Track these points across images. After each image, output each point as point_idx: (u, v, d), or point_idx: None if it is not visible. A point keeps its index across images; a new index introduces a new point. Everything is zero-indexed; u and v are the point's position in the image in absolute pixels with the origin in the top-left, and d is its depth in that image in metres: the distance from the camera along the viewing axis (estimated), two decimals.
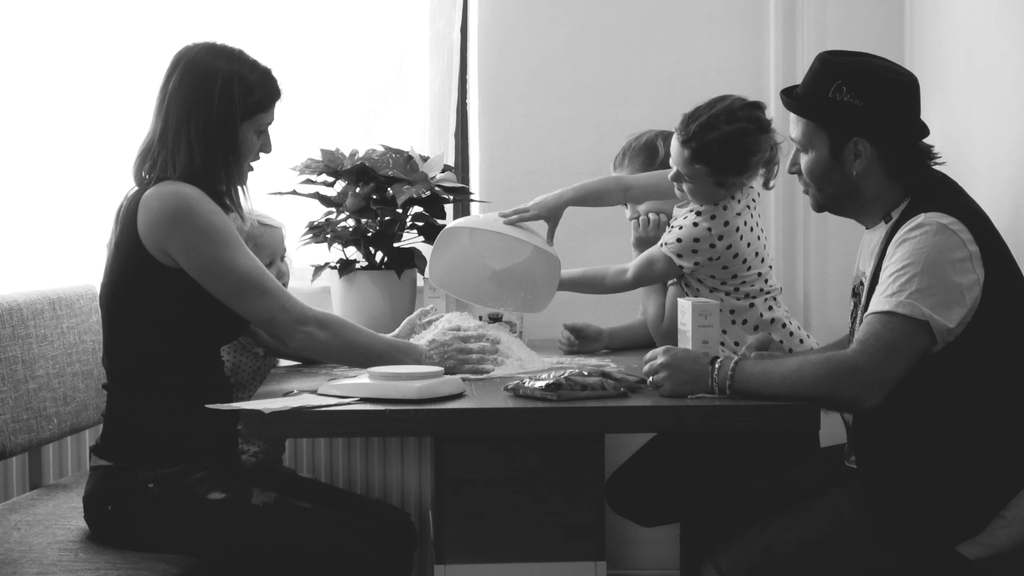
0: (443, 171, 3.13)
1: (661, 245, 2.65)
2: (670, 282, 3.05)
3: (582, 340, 2.89)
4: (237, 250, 2.31)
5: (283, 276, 2.83)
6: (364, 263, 3.11)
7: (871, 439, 2.22)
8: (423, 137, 3.47)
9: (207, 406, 2.14)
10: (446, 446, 2.20)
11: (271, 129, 2.46)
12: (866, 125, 2.22)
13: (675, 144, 2.58)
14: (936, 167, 2.29)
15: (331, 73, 3.45)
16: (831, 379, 2.08)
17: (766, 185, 2.67)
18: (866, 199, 2.28)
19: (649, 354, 2.23)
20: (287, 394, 2.24)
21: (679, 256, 2.61)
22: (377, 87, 3.48)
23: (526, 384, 2.15)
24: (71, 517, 2.48)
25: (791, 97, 2.31)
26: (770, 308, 2.66)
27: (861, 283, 2.35)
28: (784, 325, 2.66)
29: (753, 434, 2.54)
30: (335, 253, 3.12)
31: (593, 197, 2.76)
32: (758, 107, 2.57)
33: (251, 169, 2.47)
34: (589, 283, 2.78)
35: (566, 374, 2.15)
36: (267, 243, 2.77)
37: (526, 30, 3.38)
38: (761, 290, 2.66)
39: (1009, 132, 2.68)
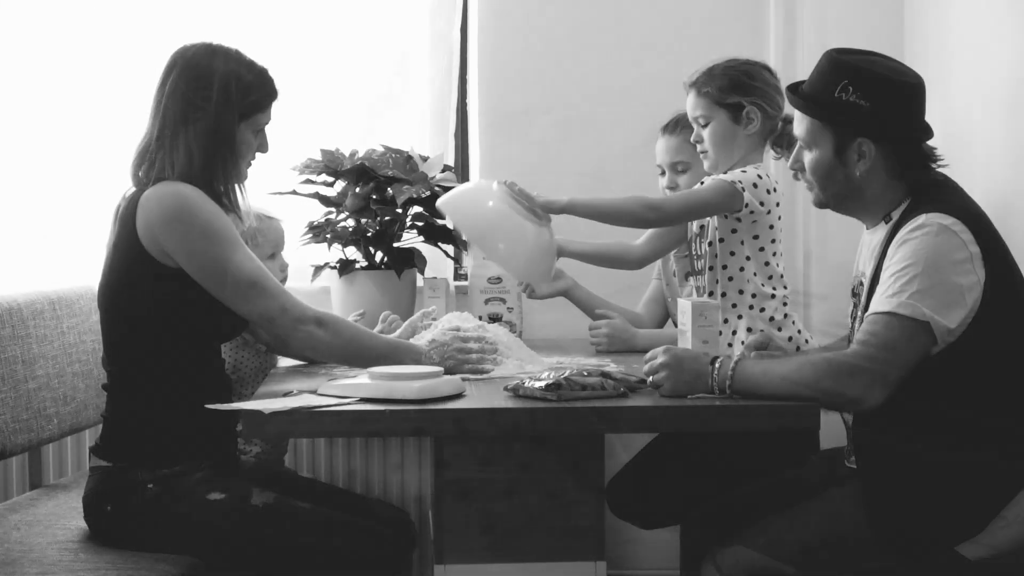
0: (443, 171, 3.13)
1: (717, 179, 2.65)
2: (655, 276, 3.09)
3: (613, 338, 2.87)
4: (237, 250, 2.31)
5: (285, 269, 2.84)
6: (364, 263, 3.11)
7: (871, 439, 2.22)
8: (423, 137, 3.46)
9: (207, 406, 2.14)
10: (446, 446, 2.20)
11: (267, 129, 2.46)
12: (872, 126, 2.22)
13: (688, 98, 2.72)
14: (938, 168, 2.29)
15: (331, 73, 3.45)
16: (831, 379, 2.08)
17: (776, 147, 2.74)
18: (868, 199, 2.28)
19: (649, 354, 2.23)
20: (287, 394, 2.24)
21: (740, 184, 2.59)
22: (377, 87, 3.48)
23: (526, 384, 2.15)
24: (71, 517, 2.47)
25: (796, 94, 2.30)
26: (785, 303, 2.68)
27: (860, 283, 2.35)
28: (794, 322, 2.68)
29: (753, 434, 2.54)
30: (335, 253, 3.13)
31: (606, 218, 2.63)
32: (766, 68, 2.74)
33: (249, 165, 2.46)
34: (610, 250, 2.88)
35: (566, 374, 2.15)
36: (270, 235, 2.78)
37: (526, 30, 3.38)
38: (781, 276, 2.68)
39: (1003, 131, 2.68)
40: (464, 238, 3.01)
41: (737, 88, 2.67)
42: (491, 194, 2.58)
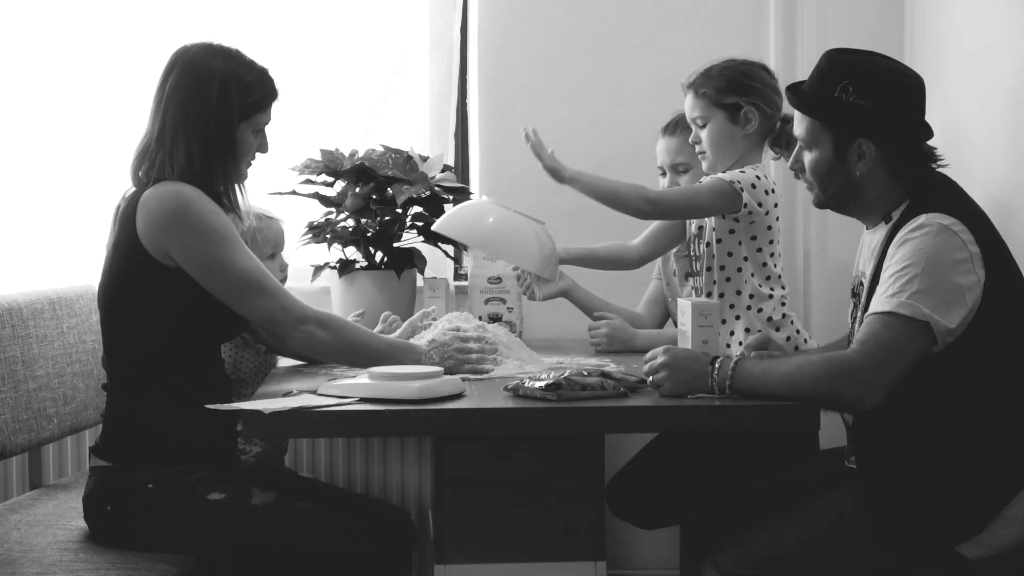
0: (443, 171, 3.14)
1: (715, 178, 2.64)
2: (655, 276, 3.08)
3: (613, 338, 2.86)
4: (237, 250, 2.31)
5: (285, 269, 2.84)
6: (364, 263, 3.11)
7: (871, 439, 2.22)
8: (423, 137, 3.47)
9: (207, 406, 2.14)
10: (446, 446, 2.20)
11: (267, 129, 2.46)
12: (871, 127, 2.22)
13: (686, 99, 2.73)
14: (938, 169, 2.29)
15: (331, 73, 3.45)
16: (831, 379, 2.08)
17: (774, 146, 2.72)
18: (868, 199, 2.28)
19: (649, 354, 2.23)
20: (287, 394, 2.24)
21: (739, 184, 2.59)
22: (377, 87, 3.48)
23: (526, 384, 2.15)
24: (71, 517, 2.47)
25: (796, 95, 2.30)
26: (783, 303, 2.67)
27: (860, 283, 2.35)
28: (792, 322, 2.68)
29: (753, 434, 2.54)
30: (335, 253, 3.13)
31: (605, 201, 2.63)
32: (764, 68, 2.75)
33: (249, 165, 2.46)
34: (608, 253, 2.88)
35: (566, 374, 2.15)
36: (270, 235, 2.78)
37: (526, 30, 3.38)
38: (779, 276, 2.68)
39: (1003, 131, 2.68)
40: (470, 248, 3.00)
41: (734, 88, 2.67)
42: (485, 208, 2.61)
